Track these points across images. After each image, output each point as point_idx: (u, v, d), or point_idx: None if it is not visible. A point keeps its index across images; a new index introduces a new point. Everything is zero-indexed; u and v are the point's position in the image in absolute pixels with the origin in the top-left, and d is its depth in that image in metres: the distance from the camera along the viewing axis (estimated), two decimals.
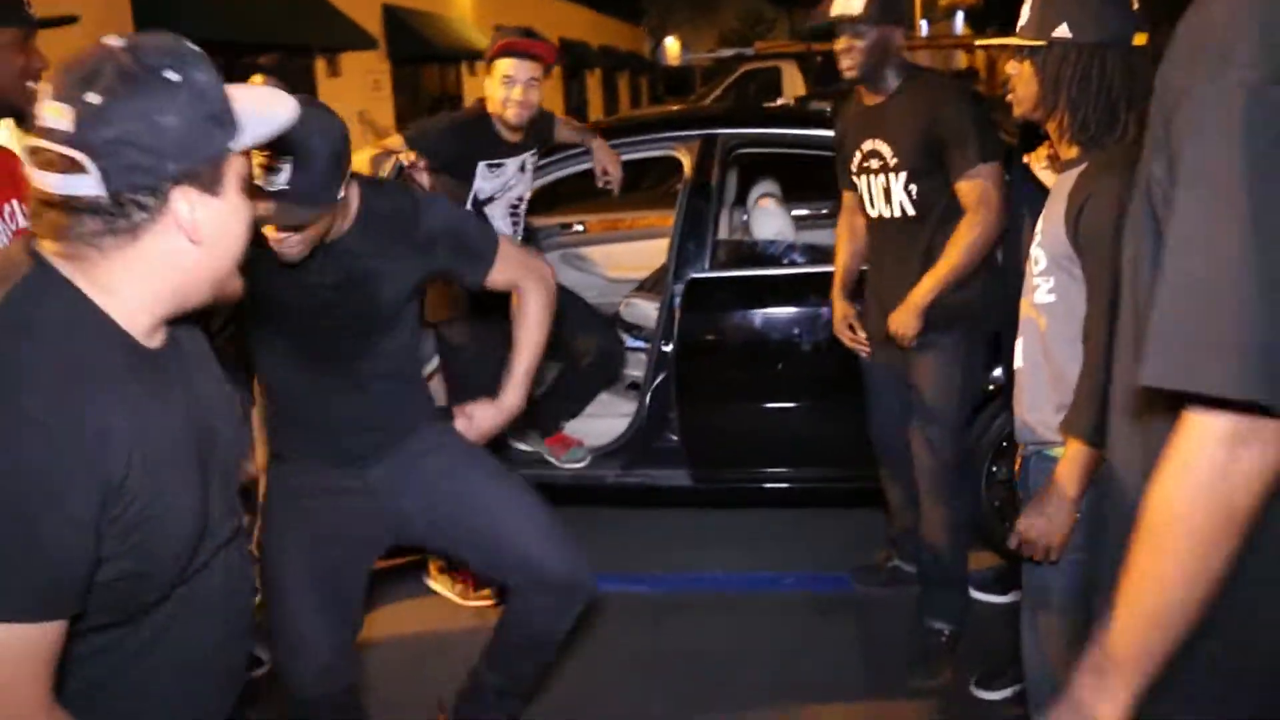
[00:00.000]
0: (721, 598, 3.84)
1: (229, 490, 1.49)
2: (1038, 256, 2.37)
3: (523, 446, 4.23)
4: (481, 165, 3.77)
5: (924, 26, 32.61)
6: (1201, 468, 1.12)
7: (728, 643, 3.57)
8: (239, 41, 11.53)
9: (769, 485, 4.09)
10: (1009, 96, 2.43)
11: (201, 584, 1.44)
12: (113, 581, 1.28)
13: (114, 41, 1.25)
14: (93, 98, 1.20)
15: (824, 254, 4.25)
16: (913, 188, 3.21)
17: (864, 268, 3.56)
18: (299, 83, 3.78)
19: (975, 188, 3.08)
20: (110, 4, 10.58)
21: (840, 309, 3.57)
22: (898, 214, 3.27)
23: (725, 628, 3.66)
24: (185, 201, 1.27)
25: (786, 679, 3.37)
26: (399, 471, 2.63)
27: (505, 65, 3.63)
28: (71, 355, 1.24)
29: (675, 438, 4.02)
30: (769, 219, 4.58)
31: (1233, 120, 1.09)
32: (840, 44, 3.19)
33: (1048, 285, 2.33)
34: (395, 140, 3.65)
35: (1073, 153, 2.27)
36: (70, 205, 1.23)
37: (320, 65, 15.13)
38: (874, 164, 3.28)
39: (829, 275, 3.83)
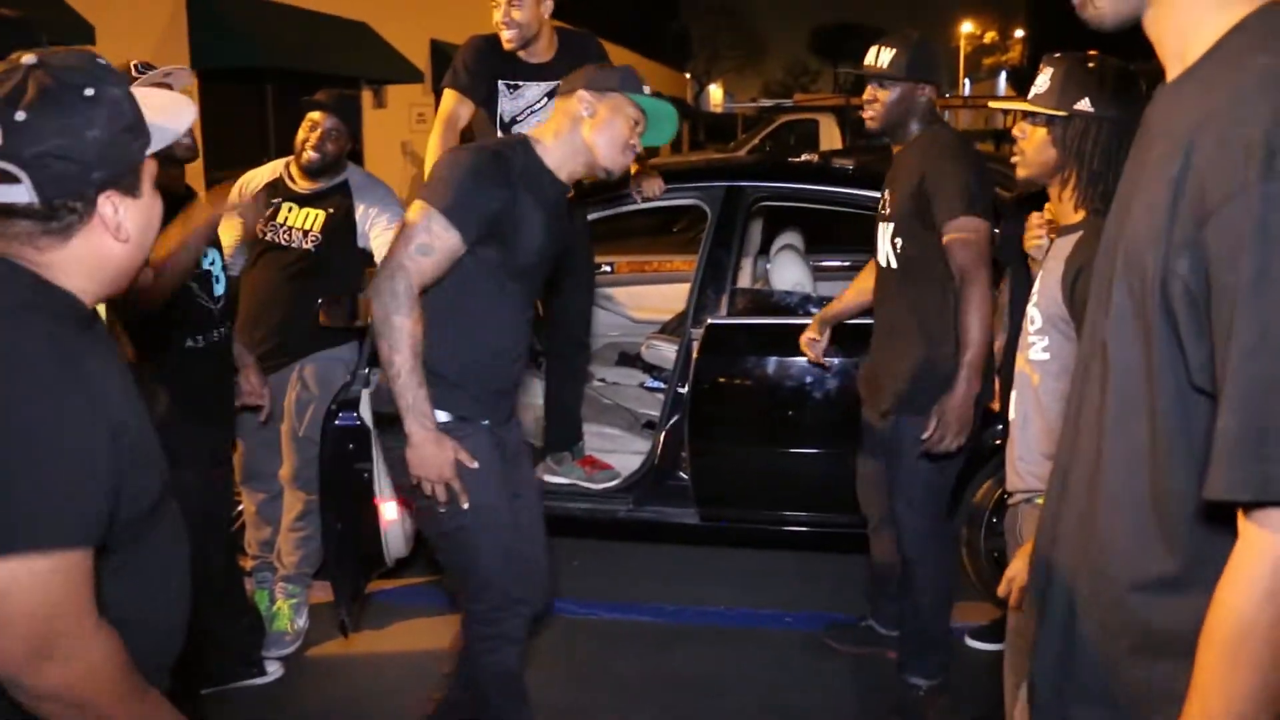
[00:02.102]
0: (720, 631, 3.96)
1: None
2: (1033, 315, 2.48)
3: (555, 479, 4.34)
4: (500, 84, 3.94)
5: (967, 85, 32.78)
6: (1270, 567, 1.10)
7: (720, 673, 3.69)
8: (290, 69, 11.85)
9: (774, 527, 4.19)
10: (1014, 158, 2.56)
11: (163, 523, 1.61)
12: (114, 512, 1.44)
13: (30, 60, 1.37)
14: (20, 115, 1.34)
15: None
16: (898, 241, 3.25)
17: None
18: (353, 117, 3.96)
19: (962, 244, 3.04)
20: (168, 36, 10.92)
21: (811, 327, 3.74)
22: (884, 264, 3.34)
23: (720, 659, 3.77)
24: (110, 205, 1.43)
25: (774, 710, 3.48)
26: (514, 439, 2.91)
27: None
28: (50, 323, 1.40)
29: (686, 476, 4.13)
30: (788, 270, 4.70)
31: None
32: (865, 94, 3.28)
33: (1042, 344, 2.44)
34: None
35: (1076, 218, 2.39)
36: (5, 210, 1.38)
37: (366, 96, 15.43)
38: (885, 211, 3.36)
39: (841, 328, 3.96)
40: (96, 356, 1.44)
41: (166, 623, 1.67)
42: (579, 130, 2.68)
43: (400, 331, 2.51)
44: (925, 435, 3.12)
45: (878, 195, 4.21)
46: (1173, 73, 1.29)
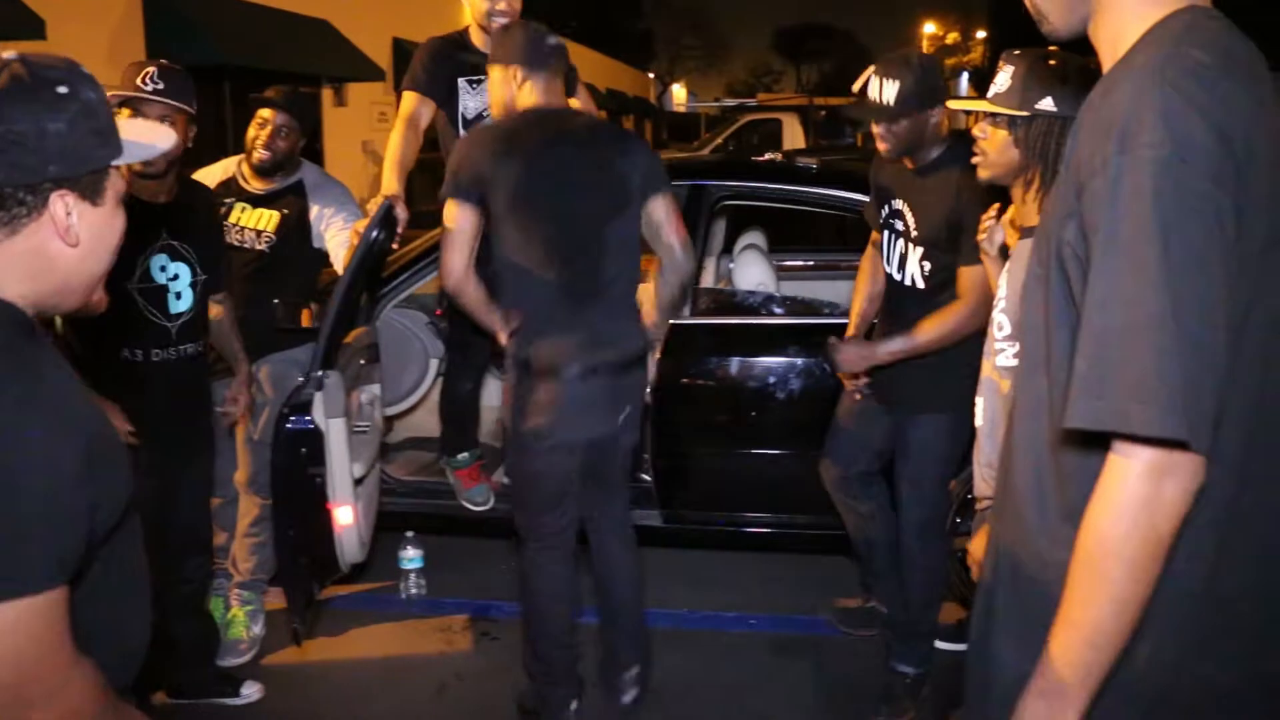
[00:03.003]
0: (685, 634, 3.91)
1: None
2: (1000, 321, 2.44)
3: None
4: (461, 81, 3.86)
5: None
6: (1130, 501, 1.24)
7: (686, 676, 3.64)
8: (249, 67, 11.71)
9: (737, 529, 4.15)
10: (975, 159, 2.52)
11: (127, 536, 1.55)
12: (92, 532, 1.38)
13: (11, 55, 1.38)
14: None
15: (804, 306, 4.34)
16: (927, 264, 3.26)
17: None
18: (309, 115, 3.88)
19: (975, 276, 3.08)
20: (122, 30, 10.76)
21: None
22: (908, 282, 3.32)
23: (685, 662, 3.73)
24: (62, 204, 1.38)
25: (738, 711, 3.45)
26: None
27: None
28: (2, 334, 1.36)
29: (649, 479, 4.09)
30: (751, 269, 4.67)
31: (1142, 190, 1.22)
32: (875, 129, 3.23)
33: (1012, 350, 2.40)
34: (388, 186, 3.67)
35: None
36: None
37: (327, 95, 15.29)
38: (898, 225, 3.34)
39: (807, 327, 3.93)
40: (51, 365, 1.39)
41: (134, 637, 1.62)
42: None
43: None
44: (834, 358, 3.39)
45: (842, 194, 4.22)
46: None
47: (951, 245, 3.16)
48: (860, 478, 3.60)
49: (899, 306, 3.39)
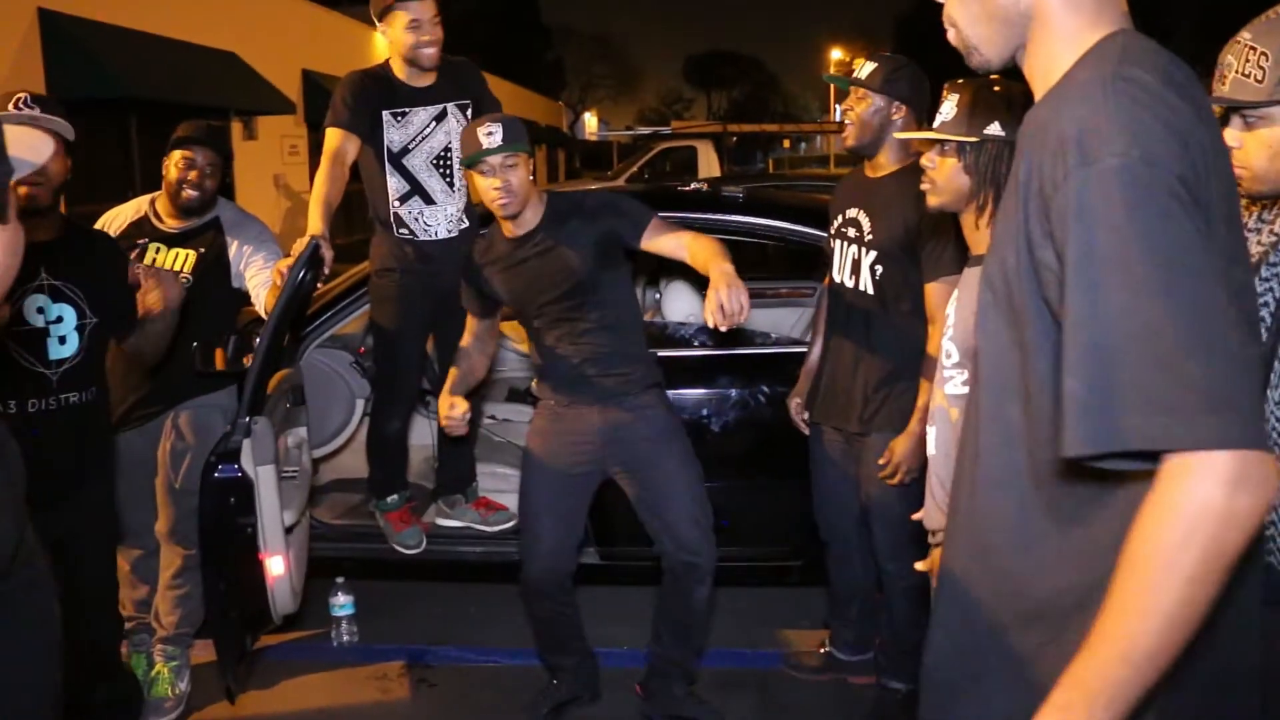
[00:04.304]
0: (625, 673, 3.84)
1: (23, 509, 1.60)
2: (949, 349, 2.44)
3: (448, 523, 4.22)
4: (385, 114, 3.81)
5: (838, 112, 33.47)
6: (1194, 510, 1.14)
7: (625, 716, 3.60)
8: (155, 100, 11.46)
9: None
10: (924, 186, 2.54)
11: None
12: None
13: None
14: None
15: (734, 337, 4.33)
16: (879, 269, 3.27)
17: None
18: (225, 149, 3.82)
19: (943, 294, 3.04)
20: (20, 62, 10.46)
21: (798, 387, 3.66)
22: (862, 288, 3.32)
23: (623, 701, 3.67)
24: None
25: None
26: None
27: (408, 10, 3.69)
28: None
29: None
30: (680, 300, 4.66)
31: (1113, 199, 1.20)
32: (845, 104, 3.37)
33: (961, 378, 2.40)
34: (313, 226, 3.53)
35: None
36: None
37: (236, 128, 15.04)
38: (851, 232, 3.36)
39: (737, 358, 3.91)
40: None
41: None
42: None
43: None
44: (881, 462, 3.24)
45: (769, 223, 4.22)
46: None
47: (909, 254, 3.18)
48: (846, 522, 3.58)
49: (847, 315, 3.40)
